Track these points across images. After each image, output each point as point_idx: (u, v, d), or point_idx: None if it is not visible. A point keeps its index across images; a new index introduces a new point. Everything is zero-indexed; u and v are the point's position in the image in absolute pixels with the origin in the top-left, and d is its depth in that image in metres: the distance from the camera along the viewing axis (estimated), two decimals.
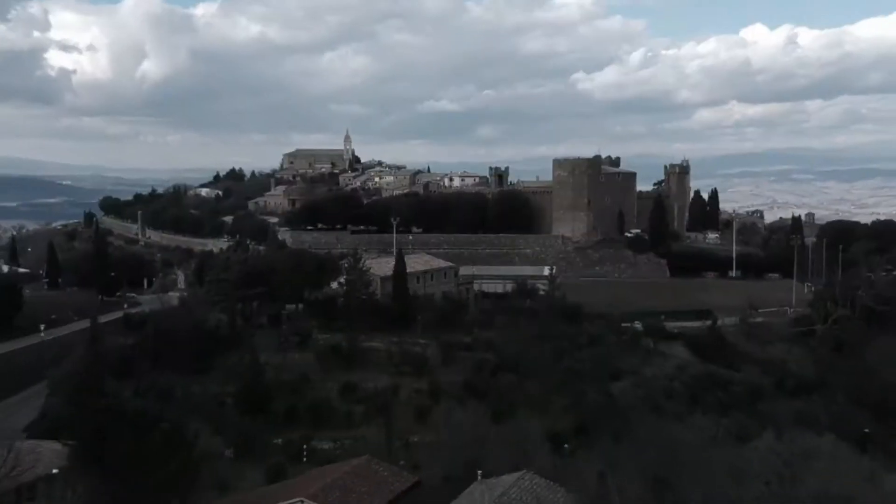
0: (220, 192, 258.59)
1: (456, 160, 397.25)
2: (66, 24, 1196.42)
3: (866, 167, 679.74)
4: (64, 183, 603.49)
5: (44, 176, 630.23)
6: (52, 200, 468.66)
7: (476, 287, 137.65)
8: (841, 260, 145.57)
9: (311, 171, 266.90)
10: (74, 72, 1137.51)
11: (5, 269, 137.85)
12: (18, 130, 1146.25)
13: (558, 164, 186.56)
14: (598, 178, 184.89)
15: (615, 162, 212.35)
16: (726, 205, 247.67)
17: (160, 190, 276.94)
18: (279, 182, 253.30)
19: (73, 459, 54.65)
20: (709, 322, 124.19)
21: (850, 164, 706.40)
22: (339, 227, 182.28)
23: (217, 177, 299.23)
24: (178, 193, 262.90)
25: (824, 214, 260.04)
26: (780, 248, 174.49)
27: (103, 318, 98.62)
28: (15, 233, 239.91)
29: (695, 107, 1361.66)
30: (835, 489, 39.34)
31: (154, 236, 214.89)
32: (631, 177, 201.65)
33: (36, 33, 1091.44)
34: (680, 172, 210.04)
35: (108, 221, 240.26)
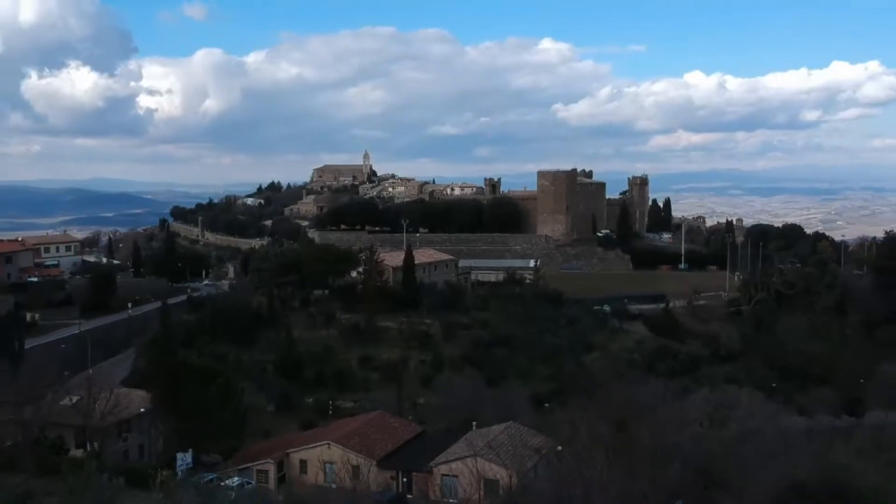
0: (262, 201, 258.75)
1: (457, 175, 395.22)
2: (153, 75, 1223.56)
3: (778, 186, 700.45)
4: (145, 197, 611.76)
5: (131, 192, 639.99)
6: (137, 211, 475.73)
7: (473, 276, 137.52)
8: (761, 254, 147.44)
9: (335, 183, 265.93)
10: (156, 110, 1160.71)
11: (104, 261, 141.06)
12: (115, 157, 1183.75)
13: (542, 175, 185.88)
14: (574, 187, 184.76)
15: (588, 175, 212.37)
16: (677, 212, 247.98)
17: (216, 200, 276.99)
18: (309, 192, 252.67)
19: (155, 403, 56.99)
20: (663, 305, 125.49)
21: (767, 183, 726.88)
22: (358, 227, 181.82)
23: (260, 188, 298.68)
24: (229, 202, 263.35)
25: (749, 221, 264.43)
26: (718, 245, 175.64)
27: (173, 300, 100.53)
28: (111, 236, 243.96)
29: (651, 134, 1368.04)
30: (748, 425, 41.13)
31: (210, 237, 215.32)
32: (601, 187, 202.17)
33: (132, 83, 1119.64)
34: (640, 184, 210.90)
35: (177, 226, 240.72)
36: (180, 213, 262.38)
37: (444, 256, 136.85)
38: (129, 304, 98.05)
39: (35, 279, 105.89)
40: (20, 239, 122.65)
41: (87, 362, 75.14)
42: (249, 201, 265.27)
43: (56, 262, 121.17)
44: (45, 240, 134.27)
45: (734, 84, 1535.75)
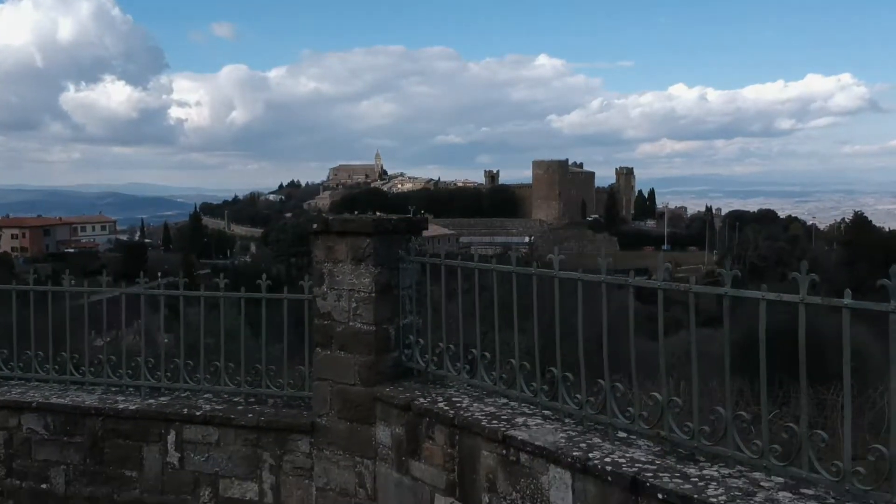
0: (283, 197, 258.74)
1: (462, 179, 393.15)
2: (183, 88, 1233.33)
3: (754, 189, 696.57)
4: (177, 200, 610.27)
5: (164, 196, 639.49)
6: (169, 212, 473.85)
7: (472, 250, 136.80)
8: (737, 234, 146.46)
9: (350, 180, 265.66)
10: (186, 121, 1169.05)
11: (137, 238, 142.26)
12: (149, 164, 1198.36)
13: (536, 164, 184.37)
14: (566, 175, 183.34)
15: (579, 165, 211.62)
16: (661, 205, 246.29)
17: (241, 197, 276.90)
18: (326, 189, 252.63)
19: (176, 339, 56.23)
20: (646, 277, 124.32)
21: (744, 187, 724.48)
22: (369, 213, 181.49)
23: (281, 186, 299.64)
24: (252, 198, 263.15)
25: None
26: (698, 228, 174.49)
27: (198, 272, 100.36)
28: (143, 221, 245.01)
29: (638, 142, 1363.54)
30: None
31: (236, 229, 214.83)
32: (591, 176, 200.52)
33: (164, 96, 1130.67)
34: (627, 173, 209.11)
35: (206, 220, 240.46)
36: (208, 209, 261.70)
37: (446, 231, 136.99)
38: (159, 274, 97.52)
39: (72, 250, 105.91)
40: (60, 218, 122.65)
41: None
42: (272, 197, 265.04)
43: (92, 240, 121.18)
44: (82, 219, 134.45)
45: (714, 96, 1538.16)
